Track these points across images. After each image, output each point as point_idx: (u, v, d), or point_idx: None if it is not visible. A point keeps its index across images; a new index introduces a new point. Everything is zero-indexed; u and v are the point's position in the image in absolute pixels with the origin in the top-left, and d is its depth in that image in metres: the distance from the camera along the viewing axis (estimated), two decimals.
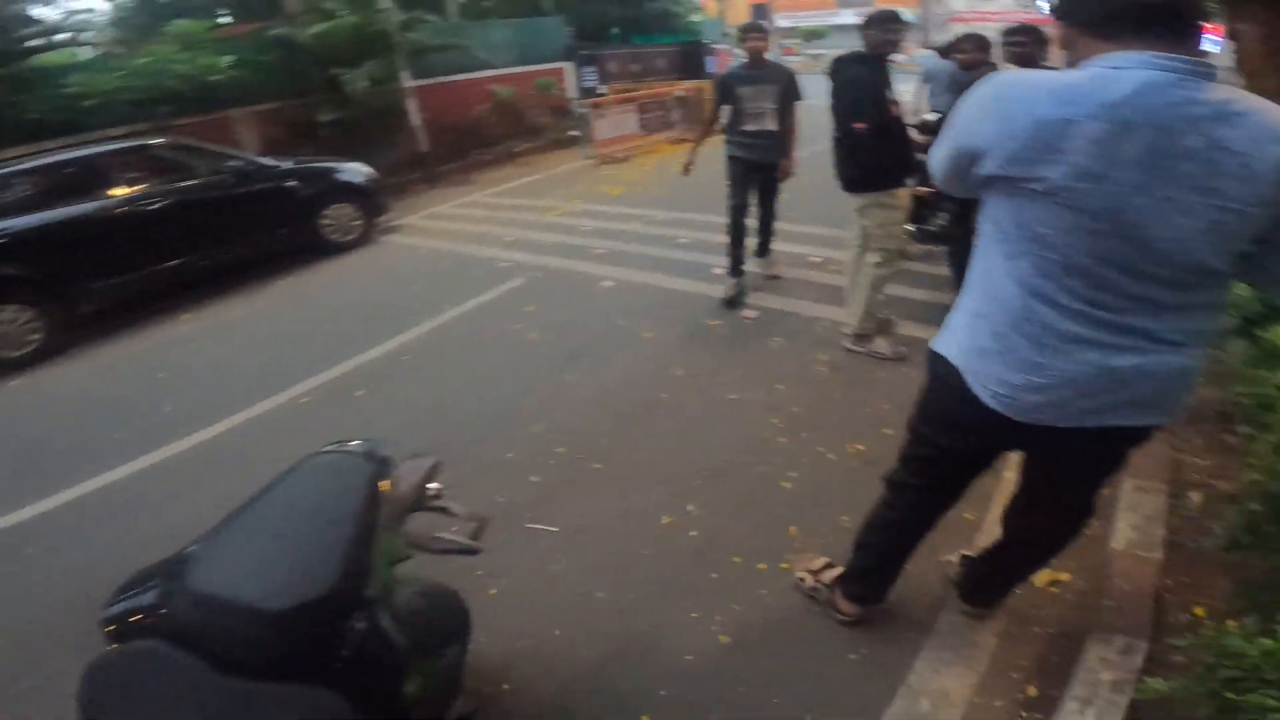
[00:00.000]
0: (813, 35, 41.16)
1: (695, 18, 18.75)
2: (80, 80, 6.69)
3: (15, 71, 6.63)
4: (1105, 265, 1.15)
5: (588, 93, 12.21)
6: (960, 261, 4.03)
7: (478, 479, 2.87)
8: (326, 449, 1.27)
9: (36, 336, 4.92)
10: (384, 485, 1.20)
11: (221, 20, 8.31)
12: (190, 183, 5.70)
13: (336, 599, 0.99)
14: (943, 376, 1.44)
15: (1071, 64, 1.21)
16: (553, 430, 3.20)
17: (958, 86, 4.01)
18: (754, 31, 4.17)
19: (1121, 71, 1.08)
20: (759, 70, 4.15)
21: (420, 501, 1.38)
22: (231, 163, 5.92)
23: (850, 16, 40.23)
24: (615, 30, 15.39)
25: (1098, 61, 1.13)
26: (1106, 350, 1.21)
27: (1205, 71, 1.07)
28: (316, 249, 6.43)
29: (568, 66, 12.94)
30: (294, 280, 5.93)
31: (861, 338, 3.61)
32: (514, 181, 9.20)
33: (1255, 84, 2.81)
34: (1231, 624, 1.36)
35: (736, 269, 4.44)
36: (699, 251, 5.43)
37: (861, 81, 3.25)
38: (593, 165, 9.72)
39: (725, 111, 4.29)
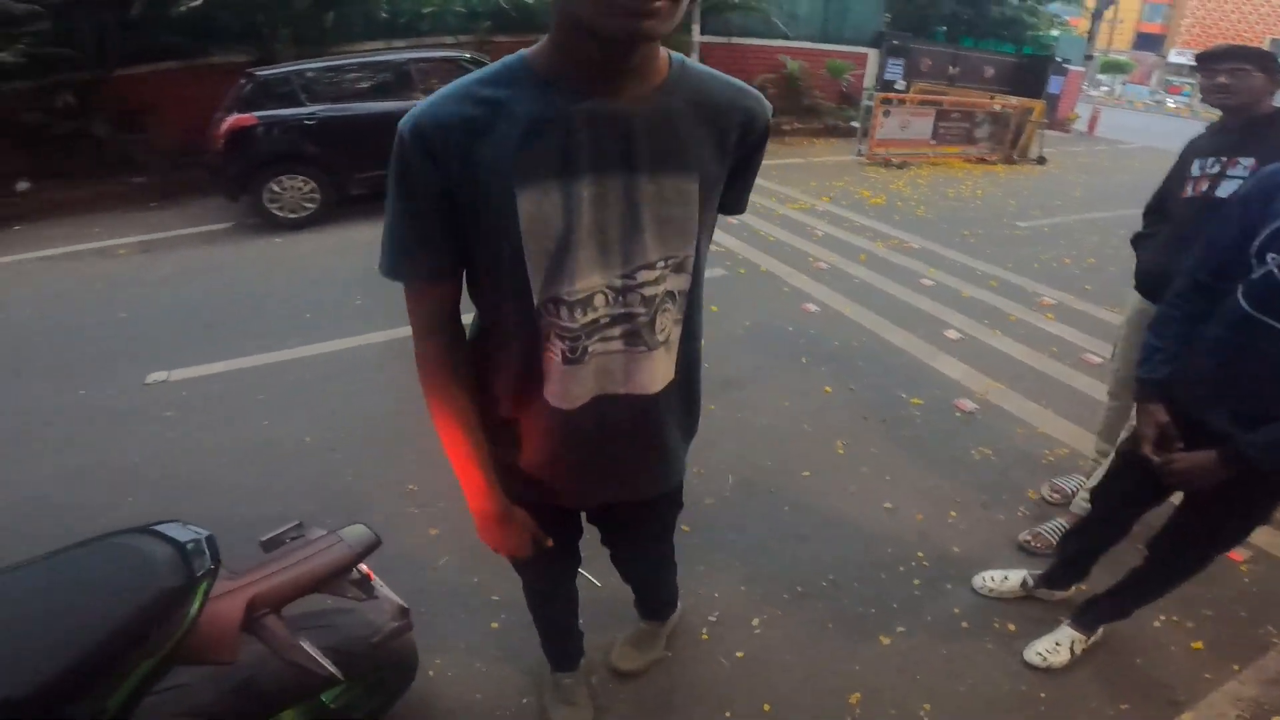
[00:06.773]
0: None
1: (1053, 32, 16.19)
2: None
3: None
4: None
5: (887, 86, 11.05)
6: None
7: None
8: (145, 527, 0.99)
9: (311, 206, 5.66)
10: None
11: None
12: None
13: (26, 707, 0.76)
14: None
15: None
16: None
17: None
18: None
19: None
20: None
21: (335, 582, 1.14)
22: None
23: None
24: (942, 27, 13.74)
25: None
26: None
27: None
28: None
29: (872, 54, 11.81)
30: None
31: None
32: (769, 161, 8.55)
33: None
34: None
35: None
36: (941, 303, 4.43)
37: None
38: (860, 163, 8.77)
39: None
